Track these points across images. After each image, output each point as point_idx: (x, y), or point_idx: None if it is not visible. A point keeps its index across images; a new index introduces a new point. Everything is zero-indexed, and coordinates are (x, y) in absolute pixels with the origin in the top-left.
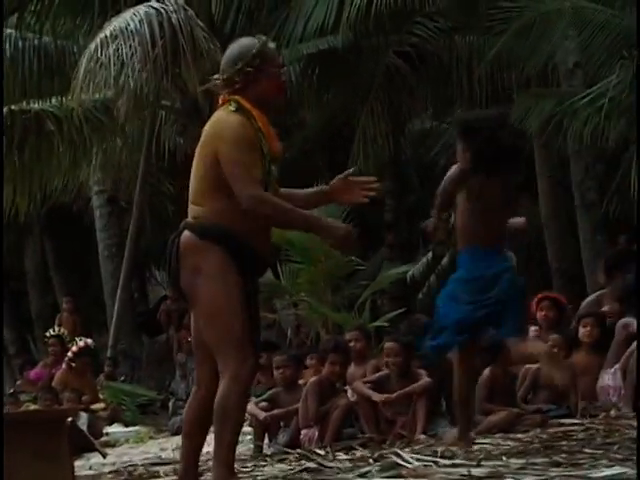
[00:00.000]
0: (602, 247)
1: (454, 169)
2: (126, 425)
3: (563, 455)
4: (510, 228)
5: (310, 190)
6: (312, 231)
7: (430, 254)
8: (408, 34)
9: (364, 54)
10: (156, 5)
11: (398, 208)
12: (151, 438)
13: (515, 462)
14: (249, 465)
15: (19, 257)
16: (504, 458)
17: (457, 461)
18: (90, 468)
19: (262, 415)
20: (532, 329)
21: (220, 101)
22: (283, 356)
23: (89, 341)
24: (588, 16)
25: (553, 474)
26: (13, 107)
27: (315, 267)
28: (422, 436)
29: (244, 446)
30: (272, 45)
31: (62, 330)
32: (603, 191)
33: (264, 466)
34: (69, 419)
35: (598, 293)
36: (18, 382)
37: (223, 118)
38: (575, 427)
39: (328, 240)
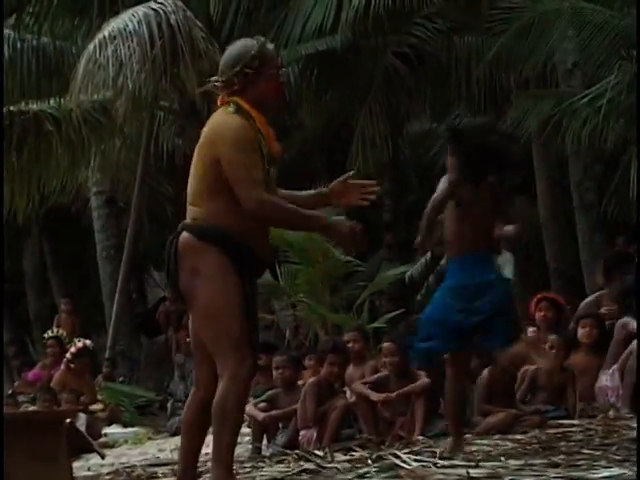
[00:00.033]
0: (600, 248)
1: (442, 186)
2: (124, 426)
3: (561, 456)
4: (504, 236)
5: (309, 192)
6: (317, 231)
7: (429, 255)
8: (407, 35)
9: (363, 55)
10: (154, 6)
11: (397, 209)
12: (149, 439)
13: (514, 463)
14: (247, 466)
15: (17, 258)
16: (503, 459)
17: (456, 462)
18: (88, 469)
19: (261, 416)
20: (530, 330)
21: (219, 102)
22: (283, 357)
23: (87, 342)
24: (587, 16)
25: (551, 475)
26: (12, 108)
27: (313, 268)
28: (420, 437)
29: (242, 447)
30: (271, 46)
31: (60, 331)
32: (601, 192)
33: (263, 467)
34: (68, 420)
35: (597, 294)
36: (16, 383)
37: (223, 120)
38: (573, 428)
39: (333, 239)
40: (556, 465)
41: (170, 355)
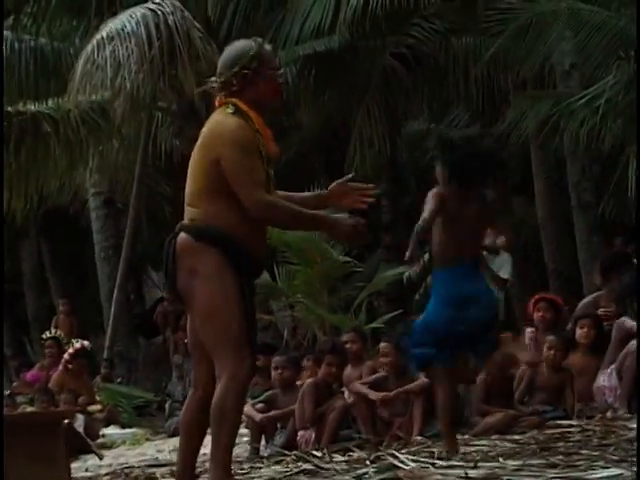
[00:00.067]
0: (598, 248)
1: (428, 205)
2: (123, 427)
3: (560, 456)
4: (493, 248)
5: (307, 194)
6: (321, 230)
7: (427, 255)
8: (404, 36)
9: (360, 55)
10: (152, 6)
11: (395, 209)
12: (148, 440)
13: (512, 463)
14: (245, 467)
15: (15, 259)
16: (501, 459)
17: (454, 462)
18: (86, 470)
19: (258, 417)
20: (529, 330)
21: (217, 103)
22: (282, 357)
23: (85, 343)
24: (584, 17)
25: (550, 475)
26: (9, 109)
27: (311, 269)
28: (419, 437)
29: (241, 447)
30: (268, 47)
31: (58, 332)
32: (599, 192)
33: (260, 468)
34: (65, 421)
35: (595, 294)
36: (14, 384)
37: (222, 121)
38: (571, 429)
39: (337, 237)
40: (554, 465)
41: (168, 356)
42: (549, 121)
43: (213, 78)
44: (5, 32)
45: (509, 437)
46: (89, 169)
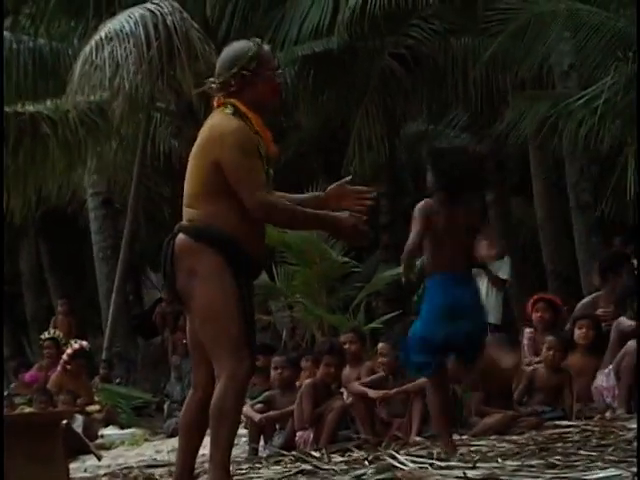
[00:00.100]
0: (597, 249)
1: (414, 224)
2: (121, 427)
3: (558, 457)
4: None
5: (305, 195)
6: (323, 229)
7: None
8: (403, 36)
9: (359, 56)
10: (151, 7)
11: (393, 210)
12: (146, 440)
13: (510, 464)
14: (244, 467)
15: (14, 259)
16: (499, 460)
17: (452, 463)
18: (85, 470)
19: (257, 417)
20: (527, 330)
21: (215, 104)
22: (282, 357)
23: (84, 343)
24: (583, 18)
25: (548, 476)
26: (8, 109)
27: (310, 269)
28: (418, 437)
29: (239, 448)
30: (267, 48)
31: (57, 332)
32: (598, 193)
33: (259, 468)
34: (64, 421)
35: (594, 295)
36: (13, 385)
37: (222, 122)
38: (570, 429)
39: (339, 236)
40: (553, 466)
41: (167, 356)
42: (548, 122)
43: (211, 79)
44: (4, 33)
45: (508, 437)
46: (87, 169)
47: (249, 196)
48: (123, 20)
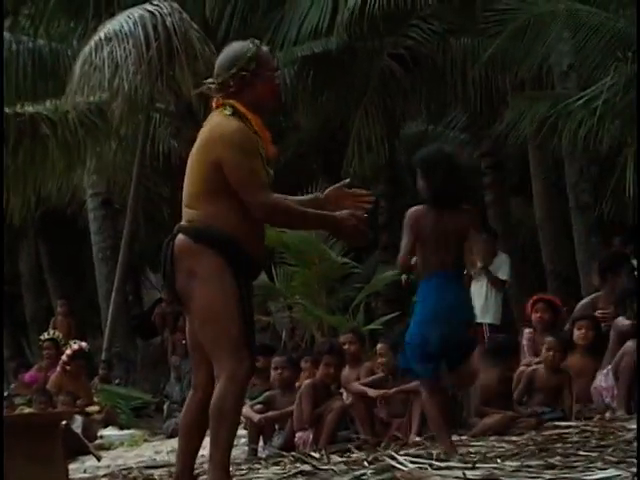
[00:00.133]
0: (596, 249)
1: (406, 228)
2: (121, 428)
3: (558, 457)
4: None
5: (304, 197)
6: (324, 229)
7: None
8: (402, 37)
9: (358, 57)
10: (150, 8)
11: (392, 210)
12: (146, 441)
13: (510, 465)
14: (244, 468)
15: (14, 260)
16: (499, 461)
17: (452, 464)
18: (85, 471)
19: (256, 417)
20: (527, 331)
21: (214, 105)
22: (282, 357)
23: (83, 344)
24: (582, 18)
25: (548, 476)
26: (7, 110)
27: (309, 270)
28: (417, 438)
29: (239, 449)
30: (266, 49)
31: (56, 333)
32: (597, 193)
33: (259, 469)
34: (63, 422)
35: (593, 296)
36: (12, 385)
37: (221, 123)
38: (570, 430)
39: (339, 236)
40: (552, 467)
41: (166, 357)
42: (547, 122)
43: (210, 79)
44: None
45: (507, 438)
46: (87, 170)
47: (252, 196)
48: (122, 21)
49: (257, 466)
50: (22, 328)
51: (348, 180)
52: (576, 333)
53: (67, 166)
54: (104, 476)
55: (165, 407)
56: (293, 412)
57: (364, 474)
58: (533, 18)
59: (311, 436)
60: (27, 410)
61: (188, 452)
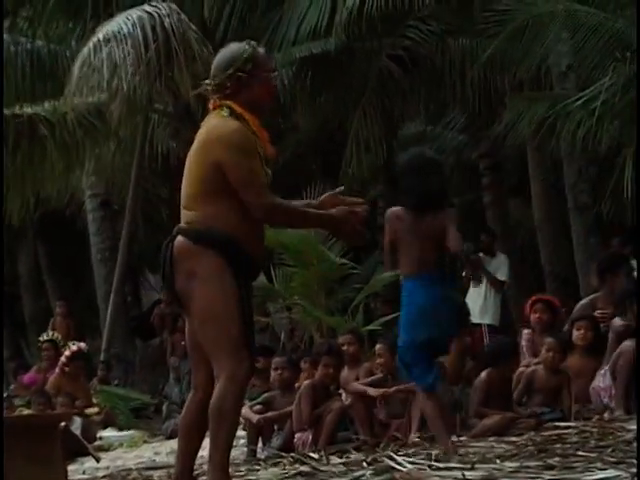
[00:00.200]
0: (595, 250)
1: (386, 228)
2: (120, 429)
3: (557, 458)
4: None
5: (297, 203)
6: (322, 228)
7: None
8: (401, 37)
9: (357, 57)
10: (149, 9)
11: None
12: (145, 442)
13: (509, 465)
14: (243, 469)
15: (12, 261)
16: (498, 461)
17: (451, 464)
18: (84, 472)
19: (256, 418)
20: (526, 332)
21: (211, 106)
22: (282, 358)
23: (82, 345)
24: (581, 19)
25: (547, 477)
26: (6, 111)
27: (308, 270)
28: (417, 438)
29: (238, 450)
30: (262, 50)
31: (55, 334)
32: (596, 194)
33: (258, 470)
34: (62, 423)
35: (592, 296)
36: (12, 386)
37: (220, 123)
38: (569, 430)
39: (338, 235)
40: (551, 467)
41: (165, 358)
42: (546, 123)
43: (207, 81)
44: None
45: (506, 438)
46: (85, 171)
47: (252, 197)
48: (121, 22)
49: (256, 467)
50: (21, 329)
51: (342, 188)
52: (575, 333)
53: (66, 167)
54: (103, 477)
55: (164, 408)
56: (292, 413)
57: (363, 475)
58: (532, 19)
59: (310, 437)
60: (26, 411)
61: (187, 453)
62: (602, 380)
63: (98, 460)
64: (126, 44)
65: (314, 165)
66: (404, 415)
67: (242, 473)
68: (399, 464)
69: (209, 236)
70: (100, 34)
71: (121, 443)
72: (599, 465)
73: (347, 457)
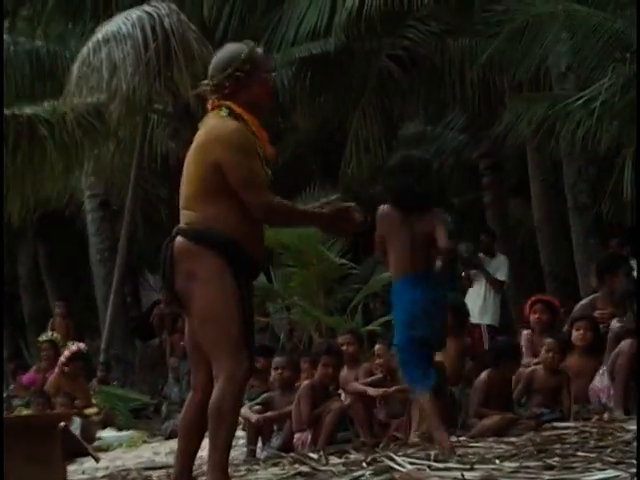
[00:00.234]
0: (595, 250)
1: (376, 220)
2: (119, 429)
3: (556, 458)
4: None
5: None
6: (320, 227)
7: None
8: (400, 37)
9: (356, 58)
10: (148, 9)
11: None
12: (144, 442)
13: (508, 465)
14: (242, 469)
15: (12, 261)
16: (497, 461)
17: (450, 465)
18: (83, 473)
19: (255, 418)
20: (525, 332)
21: (209, 106)
22: (283, 357)
23: (82, 345)
24: (580, 19)
25: (546, 477)
26: (6, 112)
27: (308, 270)
28: (416, 438)
29: (237, 450)
30: (260, 50)
31: (55, 334)
32: (595, 194)
33: (257, 470)
34: (62, 424)
35: (591, 296)
36: (11, 387)
37: (219, 124)
38: (568, 430)
39: (338, 232)
40: (551, 467)
41: (164, 358)
42: (545, 123)
43: (206, 81)
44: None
45: (506, 439)
46: (85, 172)
47: (252, 196)
48: (120, 22)
49: (256, 467)
50: (20, 329)
51: (338, 195)
52: (574, 334)
53: (65, 168)
54: (103, 477)
55: (163, 408)
56: (292, 413)
57: (362, 475)
58: (531, 19)
59: (310, 437)
60: (25, 412)
61: (187, 453)
62: (600, 380)
63: (97, 460)
64: (125, 44)
65: (314, 165)
66: (404, 415)
67: (241, 473)
68: (398, 464)
69: (209, 236)
70: (99, 34)
71: (120, 443)
72: (598, 465)
73: (346, 457)
